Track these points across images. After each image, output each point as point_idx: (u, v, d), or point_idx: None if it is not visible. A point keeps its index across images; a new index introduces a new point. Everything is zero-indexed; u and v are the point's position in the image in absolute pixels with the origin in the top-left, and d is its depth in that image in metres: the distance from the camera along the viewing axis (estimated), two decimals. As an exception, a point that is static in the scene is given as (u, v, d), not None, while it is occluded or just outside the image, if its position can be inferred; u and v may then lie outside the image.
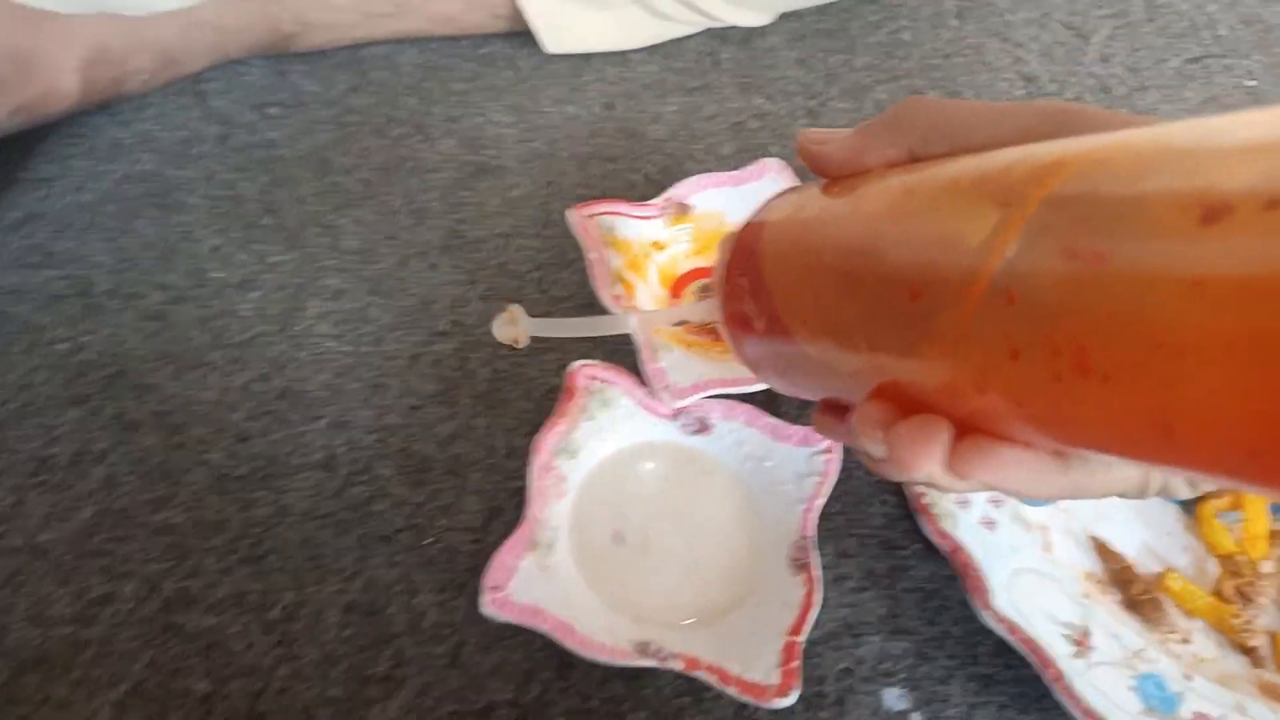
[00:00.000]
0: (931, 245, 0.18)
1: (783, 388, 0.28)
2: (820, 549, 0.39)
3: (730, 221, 0.50)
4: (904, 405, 0.19)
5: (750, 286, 0.25)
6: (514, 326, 0.30)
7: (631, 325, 0.31)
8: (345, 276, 0.49)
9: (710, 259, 0.50)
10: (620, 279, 0.46)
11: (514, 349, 0.38)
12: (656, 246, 0.49)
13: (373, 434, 0.44)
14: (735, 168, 0.54)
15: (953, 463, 0.18)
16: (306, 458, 0.43)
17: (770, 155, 0.56)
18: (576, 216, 0.47)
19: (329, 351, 0.46)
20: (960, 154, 0.21)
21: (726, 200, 0.50)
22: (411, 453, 0.43)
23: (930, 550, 0.41)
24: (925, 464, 0.18)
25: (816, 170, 0.25)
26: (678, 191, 0.50)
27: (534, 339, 0.29)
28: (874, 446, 0.20)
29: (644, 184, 0.54)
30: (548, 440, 0.40)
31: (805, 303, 0.22)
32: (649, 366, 0.42)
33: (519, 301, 0.30)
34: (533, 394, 0.45)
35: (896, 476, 0.21)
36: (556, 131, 0.57)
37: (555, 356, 0.46)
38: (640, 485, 0.41)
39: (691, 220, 0.50)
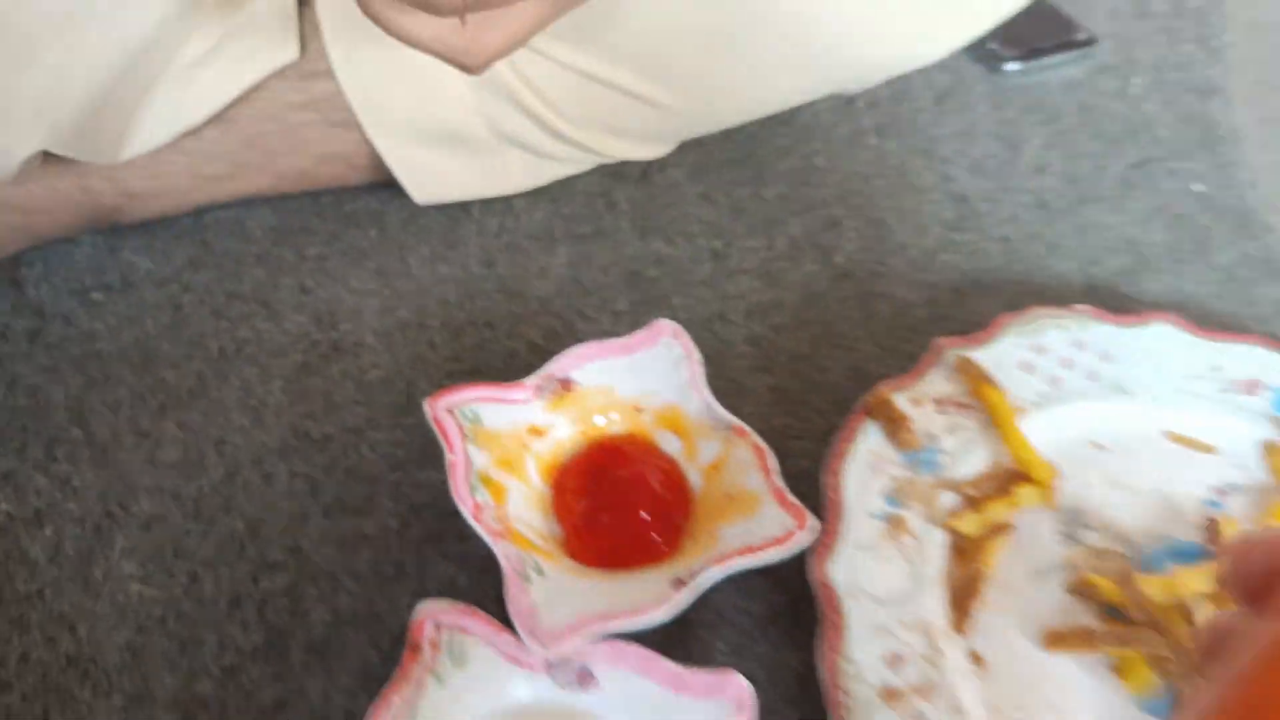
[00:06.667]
0: None
1: None
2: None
3: (622, 396, 0.43)
4: None
5: None
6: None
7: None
8: (160, 498, 0.41)
9: (589, 436, 0.43)
10: (486, 482, 0.39)
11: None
12: (534, 433, 0.42)
13: (174, 712, 0.35)
14: (632, 326, 0.47)
15: None
16: (88, 753, 0.34)
17: (672, 305, 0.49)
18: (433, 409, 0.39)
19: (134, 599, 0.38)
20: None
21: (615, 372, 0.43)
22: (223, 734, 0.34)
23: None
24: None
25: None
26: (557, 366, 0.42)
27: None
28: None
29: (526, 352, 0.47)
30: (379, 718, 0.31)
31: None
32: (516, 604, 0.34)
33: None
34: (380, 640, 0.37)
35: None
36: (426, 297, 0.49)
37: (411, 586, 0.38)
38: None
39: (575, 400, 0.42)
